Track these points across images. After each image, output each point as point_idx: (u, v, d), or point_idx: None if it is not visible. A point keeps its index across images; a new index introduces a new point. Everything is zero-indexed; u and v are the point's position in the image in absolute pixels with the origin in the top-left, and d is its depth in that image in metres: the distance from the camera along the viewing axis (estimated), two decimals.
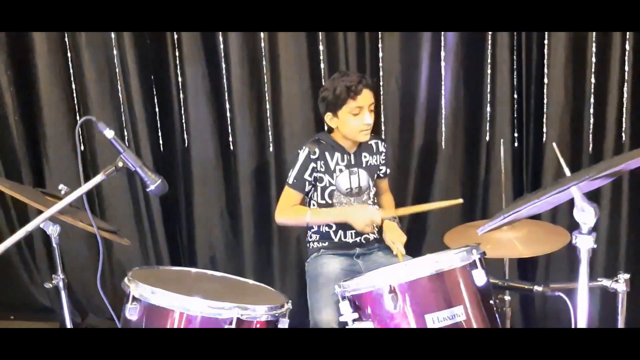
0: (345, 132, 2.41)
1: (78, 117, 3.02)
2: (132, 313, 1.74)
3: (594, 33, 2.75)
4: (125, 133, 2.99)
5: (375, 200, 2.58)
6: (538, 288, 1.99)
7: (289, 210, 2.45)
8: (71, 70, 3.00)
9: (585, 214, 1.46)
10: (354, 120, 2.36)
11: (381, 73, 2.95)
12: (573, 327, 1.58)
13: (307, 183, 2.44)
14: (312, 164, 2.42)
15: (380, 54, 2.93)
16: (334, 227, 2.49)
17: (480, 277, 1.77)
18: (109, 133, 1.77)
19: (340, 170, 2.45)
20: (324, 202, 2.47)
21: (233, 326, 1.68)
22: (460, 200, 2.33)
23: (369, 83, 2.38)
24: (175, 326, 1.71)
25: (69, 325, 1.97)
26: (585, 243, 1.48)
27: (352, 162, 2.47)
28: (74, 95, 3.01)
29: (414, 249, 2.82)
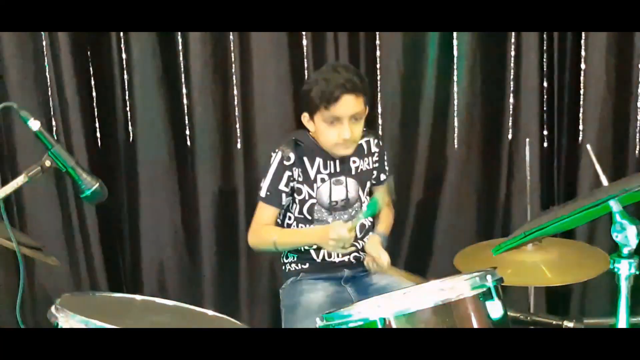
0: (320, 141, 2.42)
1: None
2: None
3: None
4: (54, 124, 2.99)
5: None
6: (568, 324, 2.04)
7: (258, 232, 2.45)
8: None
9: (626, 233, 1.50)
10: (328, 130, 2.33)
11: (378, 54, 2.98)
12: None
13: (283, 195, 2.43)
14: (287, 172, 2.41)
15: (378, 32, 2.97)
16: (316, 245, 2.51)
17: (496, 310, 1.80)
18: (34, 124, 1.77)
19: (323, 180, 2.45)
20: (302, 217, 2.48)
21: None
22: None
23: (357, 87, 2.30)
24: None
25: None
26: (625, 269, 1.53)
27: (337, 169, 2.46)
28: None
29: (416, 272, 2.84)
